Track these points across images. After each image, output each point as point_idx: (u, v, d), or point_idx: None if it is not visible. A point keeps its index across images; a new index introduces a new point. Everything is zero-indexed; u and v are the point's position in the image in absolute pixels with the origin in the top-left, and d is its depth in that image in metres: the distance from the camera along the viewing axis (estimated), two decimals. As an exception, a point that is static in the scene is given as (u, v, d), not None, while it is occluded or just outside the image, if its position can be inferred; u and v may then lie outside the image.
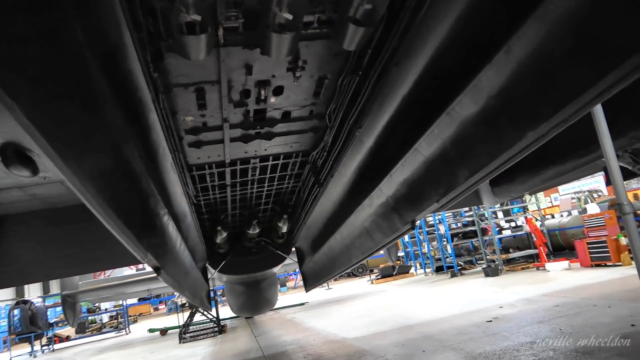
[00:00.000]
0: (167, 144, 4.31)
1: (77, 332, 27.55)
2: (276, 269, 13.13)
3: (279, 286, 17.24)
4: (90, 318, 29.83)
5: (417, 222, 4.59)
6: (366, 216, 5.70)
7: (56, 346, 24.00)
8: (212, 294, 18.71)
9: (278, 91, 4.70)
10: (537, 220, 20.02)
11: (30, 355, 22.20)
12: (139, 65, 2.95)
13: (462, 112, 3.14)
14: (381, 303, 16.30)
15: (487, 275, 18.13)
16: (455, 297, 13.84)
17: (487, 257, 20.07)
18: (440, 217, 23.81)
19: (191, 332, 16.81)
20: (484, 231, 21.28)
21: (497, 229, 20.61)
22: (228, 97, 4.54)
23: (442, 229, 23.51)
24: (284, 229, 9.54)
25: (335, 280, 34.73)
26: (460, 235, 23.41)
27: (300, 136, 5.96)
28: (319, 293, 26.85)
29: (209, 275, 11.21)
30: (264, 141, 5.87)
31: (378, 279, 27.81)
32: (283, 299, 30.36)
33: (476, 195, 8.96)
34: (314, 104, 5.15)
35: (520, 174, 6.17)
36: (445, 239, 23.01)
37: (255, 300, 12.69)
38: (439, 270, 24.39)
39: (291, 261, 11.99)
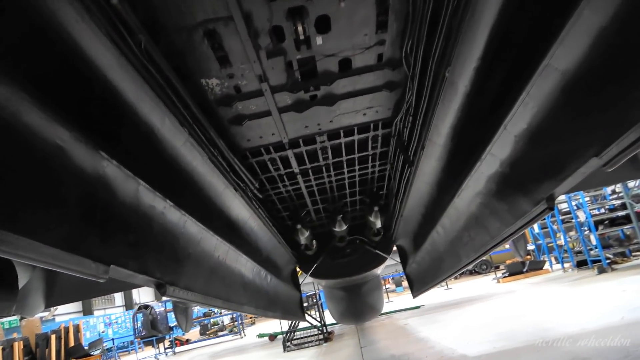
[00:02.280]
0: (176, 114, 3.20)
1: (200, 334, 29.02)
2: (378, 271, 11.74)
3: (383, 290, 15.77)
4: (212, 320, 31.21)
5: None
6: (472, 198, 4.07)
7: (177, 349, 25.33)
8: (317, 299, 17.98)
9: (323, 25, 3.35)
10: None
11: (156, 358, 23.55)
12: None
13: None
14: (510, 308, 13.91)
15: (650, 270, 14.66)
16: (609, 301, 11.06)
17: (648, 247, 16.34)
18: (577, 201, 20.23)
19: (297, 338, 16.13)
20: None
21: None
22: (253, 42, 3.31)
23: (581, 215, 19.93)
24: (378, 224, 8.12)
25: (456, 278, 32.10)
26: (606, 222, 19.61)
27: (373, 97, 4.53)
28: (436, 294, 24.76)
29: (300, 281, 10.24)
30: (325, 109, 4.55)
31: (505, 276, 24.77)
32: (398, 300, 28.74)
33: (632, 162, 6.67)
34: (381, 42, 3.70)
35: None
36: (586, 228, 19.42)
37: (356, 306, 11.44)
38: (580, 265, 20.76)
39: (394, 262, 10.52)
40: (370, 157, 6.26)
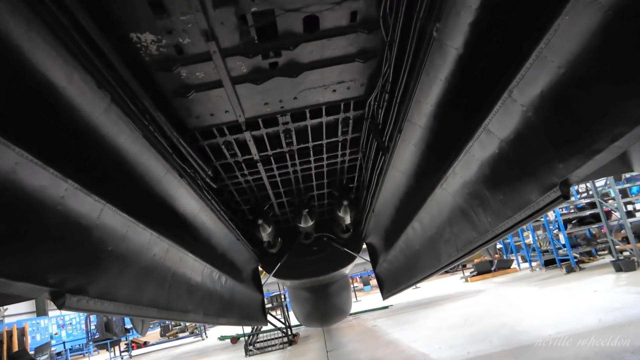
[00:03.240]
0: (92, 71, 2.49)
1: (161, 336, 27.91)
2: (346, 270, 11.19)
3: (351, 291, 15.25)
4: (174, 322, 30.04)
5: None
6: (459, 187, 3.50)
7: (134, 352, 24.17)
8: (283, 299, 17.29)
9: (283, -34, 2.73)
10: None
11: (110, 362, 22.36)
12: None
13: None
14: (480, 308, 13.66)
15: (618, 269, 14.67)
16: (582, 301, 10.88)
17: (616, 246, 16.40)
18: (547, 200, 20.24)
19: (260, 341, 15.42)
20: (608, 215, 17.55)
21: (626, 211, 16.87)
22: (193, -19, 2.64)
23: (550, 214, 19.98)
24: (347, 220, 7.53)
25: (424, 277, 31.99)
26: (574, 221, 19.72)
27: (344, 69, 3.91)
28: (405, 293, 24.47)
29: (263, 281, 9.55)
30: (287, 81, 3.89)
31: (473, 275, 24.78)
32: (366, 299, 28.40)
33: (621, 158, 6.28)
34: (355, -6, 3.09)
35: None
36: (555, 227, 19.46)
37: (322, 308, 10.84)
38: (548, 264, 20.86)
39: (363, 260, 9.98)
40: (340, 145, 5.66)
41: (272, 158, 5.53)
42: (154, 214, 3.51)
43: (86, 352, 27.74)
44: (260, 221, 6.77)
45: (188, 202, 4.45)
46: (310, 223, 7.09)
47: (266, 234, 7.16)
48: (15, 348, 17.75)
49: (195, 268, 4.45)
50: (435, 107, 3.40)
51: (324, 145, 5.50)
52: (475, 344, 8.54)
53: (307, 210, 6.89)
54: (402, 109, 3.83)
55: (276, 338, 15.36)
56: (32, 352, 18.57)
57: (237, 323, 6.61)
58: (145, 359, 21.72)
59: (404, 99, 3.73)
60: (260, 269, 9.52)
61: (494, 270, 24.18)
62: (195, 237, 4.82)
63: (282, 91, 4.05)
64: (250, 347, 14.66)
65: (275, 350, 14.51)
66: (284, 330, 15.28)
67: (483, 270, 24.42)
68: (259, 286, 9.01)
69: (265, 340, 15.41)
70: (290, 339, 14.97)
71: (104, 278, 2.58)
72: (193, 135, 4.51)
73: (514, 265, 25.05)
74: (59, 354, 23.56)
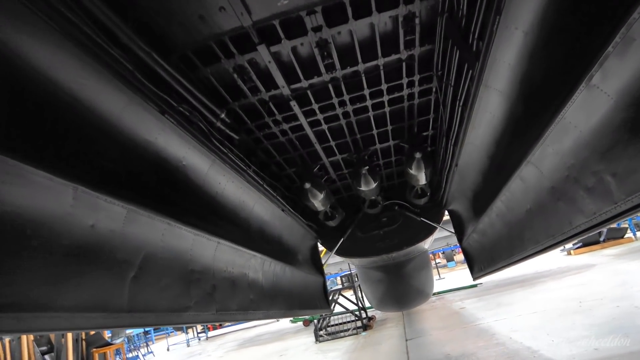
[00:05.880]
0: None
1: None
2: (426, 245, 9.62)
3: (432, 268, 13.55)
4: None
5: None
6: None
7: (210, 333, 24.41)
8: (354, 280, 16.09)
9: None
10: None
11: (187, 344, 22.69)
12: None
13: None
14: (595, 288, 11.41)
15: None
16: None
17: None
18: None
19: (332, 325, 14.32)
20: None
21: None
22: None
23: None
24: (422, 180, 5.95)
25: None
26: None
27: None
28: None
29: (324, 261, 8.28)
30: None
31: (578, 247, 21.87)
32: (450, 276, 26.48)
33: None
34: None
35: None
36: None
37: (398, 290, 9.39)
38: (675, 231, 17.70)
39: (448, 232, 8.36)
40: (404, 66, 4.10)
41: (309, 93, 4.10)
42: (106, 164, 2.26)
43: (170, 332, 28.70)
44: (307, 185, 5.41)
45: (184, 154, 3.17)
46: (373, 185, 5.61)
47: (318, 201, 5.81)
48: (92, 331, 18.25)
49: (198, 247, 3.18)
50: None
51: (381, 68, 3.95)
52: (604, 337, 6.63)
53: (367, 168, 5.41)
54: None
55: (349, 322, 14.16)
56: (109, 335, 19.04)
57: (283, 315, 5.36)
58: (220, 340, 21.68)
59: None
60: (321, 247, 8.30)
61: (603, 241, 21.12)
62: (207, 205, 3.56)
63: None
64: (321, 332, 13.62)
65: (348, 335, 13.33)
66: (357, 312, 14.04)
67: (590, 241, 21.44)
68: (319, 267, 7.74)
69: (336, 324, 14.28)
70: (365, 324, 13.72)
71: None
72: (185, 57, 3.20)
73: (628, 234, 21.76)
74: (137, 335, 24.35)
